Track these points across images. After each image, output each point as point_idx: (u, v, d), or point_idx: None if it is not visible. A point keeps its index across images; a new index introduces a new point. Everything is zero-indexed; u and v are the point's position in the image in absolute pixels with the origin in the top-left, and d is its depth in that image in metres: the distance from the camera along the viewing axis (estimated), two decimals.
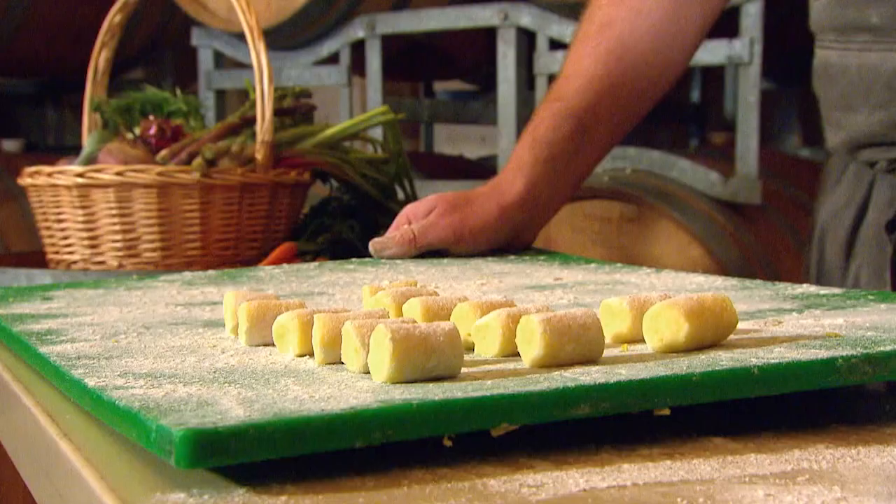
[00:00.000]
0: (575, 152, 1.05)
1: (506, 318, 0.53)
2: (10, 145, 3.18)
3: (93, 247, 1.26)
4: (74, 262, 1.27)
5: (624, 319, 0.56)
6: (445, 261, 0.97)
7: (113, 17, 1.38)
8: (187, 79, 3.09)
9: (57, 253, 1.30)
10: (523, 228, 1.04)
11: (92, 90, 1.39)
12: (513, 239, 1.03)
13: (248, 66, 2.31)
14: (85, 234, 1.26)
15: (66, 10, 3.06)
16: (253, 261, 1.28)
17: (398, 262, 0.97)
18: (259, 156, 1.27)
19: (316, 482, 0.42)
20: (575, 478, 0.42)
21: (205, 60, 2.60)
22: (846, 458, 0.44)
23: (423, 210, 1.00)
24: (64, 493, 0.49)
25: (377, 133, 1.74)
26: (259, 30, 1.25)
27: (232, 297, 0.64)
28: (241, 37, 2.18)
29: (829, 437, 0.47)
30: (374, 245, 0.99)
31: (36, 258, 1.37)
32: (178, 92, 1.44)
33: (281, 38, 2.39)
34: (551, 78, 2.10)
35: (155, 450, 0.42)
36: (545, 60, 2.13)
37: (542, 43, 2.13)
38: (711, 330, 0.53)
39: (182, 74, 3.30)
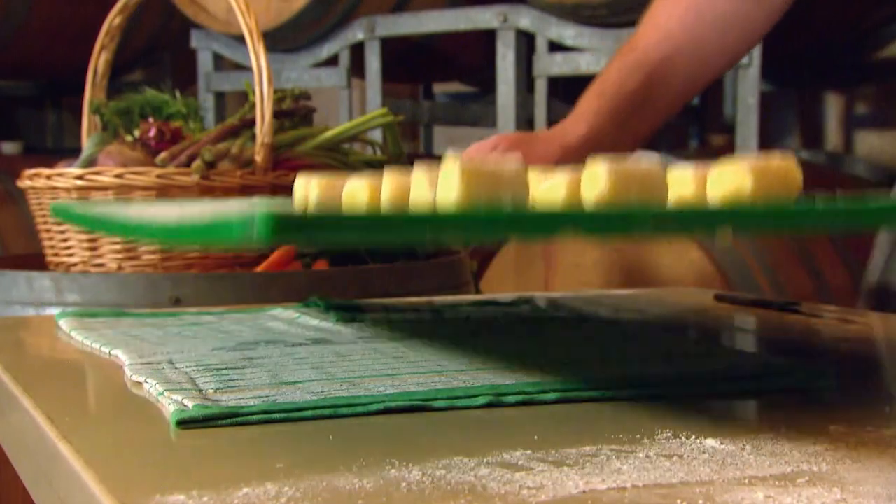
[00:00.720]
0: (641, 106, 1.03)
1: (571, 175, 0.54)
2: (10, 147, 3.18)
3: (92, 249, 1.26)
4: (74, 265, 1.27)
5: (687, 186, 0.57)
6: None
7: (112, 19, 1.38)
8: (186, 81, 3.08)
9: (56, 255, 1.29)
10: None
11: (91, 92, 1.39)
12: None
13: (248, 69, 2.30)
14: (84, 237, 1.26)
15: (65, 12, 3.06)
16: (252, 263, 1.28)
17: None
18: (258, 158, 1.26)
19: (315, 485, 0.42)
20: (574, 479, 0.42)
21: (204, 63, 2.60)
22: (846, 459, 0.44)
23: (487, 148, 1.00)
24: (64, 495, 0.49)
25: (376, 135, 1.74)
26: (258, 32, 1.25)
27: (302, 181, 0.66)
28: (240, 39, 2.18)
29: (828, 439, 0.47)
30: None
31: (35, 260, 1.37)
32: (178, 94, 1.44)
33: (280, 40, 2.38)
34: (550, 80, 2.10)
35: (235, 231, 0.41)
36: (544, 62, 2.13)
37: (541, 45, 2.13)
38: (775, 189, 0.53)
39: (181, 77, 3.30)
